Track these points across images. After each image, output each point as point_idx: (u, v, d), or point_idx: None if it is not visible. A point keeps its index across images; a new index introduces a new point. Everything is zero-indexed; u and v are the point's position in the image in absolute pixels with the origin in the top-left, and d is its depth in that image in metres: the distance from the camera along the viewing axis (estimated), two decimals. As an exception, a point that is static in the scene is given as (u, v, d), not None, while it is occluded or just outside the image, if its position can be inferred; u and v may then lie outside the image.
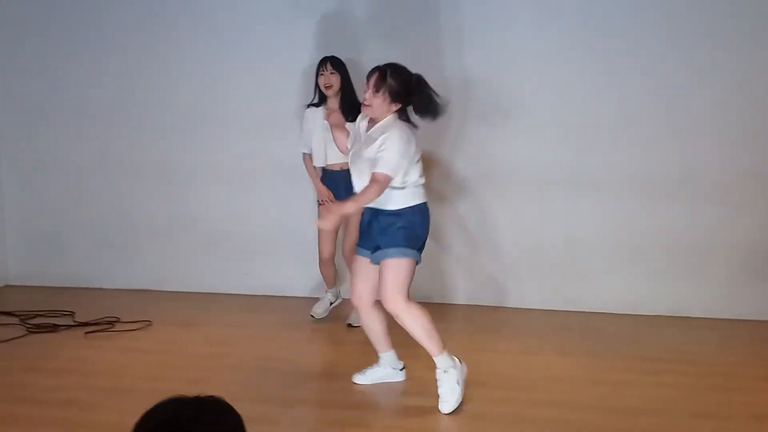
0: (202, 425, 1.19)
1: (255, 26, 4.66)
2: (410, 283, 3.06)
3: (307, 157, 4.23)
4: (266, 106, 4.70)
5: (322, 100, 4.12)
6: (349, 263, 3.96)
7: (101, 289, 4.95)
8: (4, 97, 4.98)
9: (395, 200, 3.06)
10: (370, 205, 3.06)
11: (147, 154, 4.90)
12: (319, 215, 3.16)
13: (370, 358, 3.40)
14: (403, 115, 3.08)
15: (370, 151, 3.02)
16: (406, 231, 3.04)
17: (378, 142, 3.00)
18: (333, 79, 4.02)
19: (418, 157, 3.09)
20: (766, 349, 3.88)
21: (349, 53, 4.31)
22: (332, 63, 4.05)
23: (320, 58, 4.12)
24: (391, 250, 3.02)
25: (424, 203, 3.14)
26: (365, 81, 3.07)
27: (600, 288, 4.48)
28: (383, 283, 3.03)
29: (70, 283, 4.98)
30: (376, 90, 3.01)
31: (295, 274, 4.77)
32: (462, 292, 4.65)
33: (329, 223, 3.02)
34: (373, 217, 3.12)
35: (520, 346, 3.89)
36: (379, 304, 3.15)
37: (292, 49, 4.62)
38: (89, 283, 4.98)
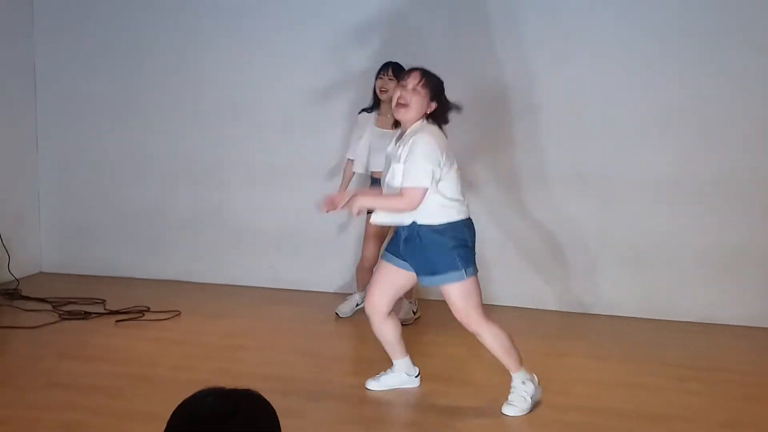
0: (240, 419, 1.20)
1: (288, 23, 4.69)
2: (480, 298, 2.95)
3: (348, 163, 4.19)
4: (295, 104, 4.73)
5: (376, 104, 4.07)
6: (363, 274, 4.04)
7: (132, 278, 5.02)
8: (44, 93, 5.07)
9: (435, 214, 2.86)
10: (410, 218, 2.88)
11: (178, 149, 4.96)
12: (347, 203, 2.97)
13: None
14: (432, 119, 2.94)
15: (398, 167, 2.85)
16: (460, 250, 2.87)
17: (405, 150, 2.84)
18: (390, 85, 3.88)
19: (455, 167, 2.92)
20: (800, 360, 3.80)
21: (396, 57, 4.18)
22: (393, 69, 3.95)
23: (382, 63, 4.04)
24: (454, 275, 2.86)
25: (469, 219, 2.96)
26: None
27: (631, 292, 4.42)
28: (456, 309, 2.92)
29: (101, 272, 5.06)
30: (419, 84, 2.86)
31: (321, 270, 4.79)
32: (487, 292, 4.61)
33: (354, 208, 2.90)
34: (411, 232, 2.91)
35: (549, 348, 3.86)
36: (392, 313, 3.10)
37: (324, 48, 4.64)
38: (120, 272, 5.06)
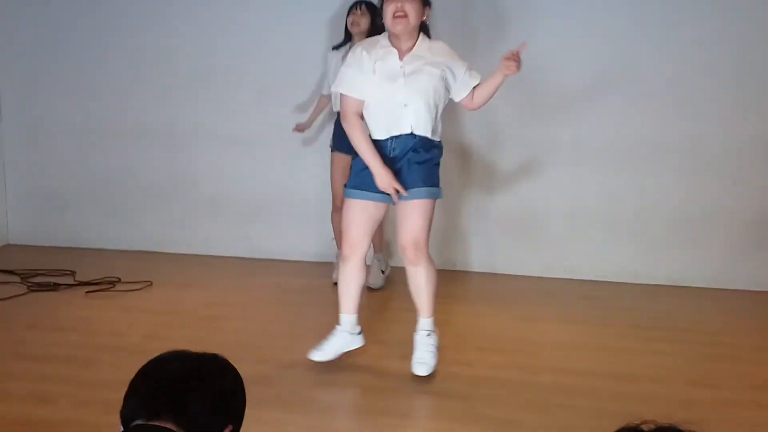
0: (206, 381, 1.19)
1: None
2: None
3: (322, 98, 4.26)
4: (270, 70, 4.64)
5: (347, 40, 4.08)
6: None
7: (102, 249, 4.95)
8: (4, 55, 4.92)
9: (437, 130, 2.96)
10: (419, 132, 2.88)
11: (150, 115, 4.86)
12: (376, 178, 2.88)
13: (372, 323, 3.41)
14: (423, 29, 2.96)
15: (460, 75, 2.93)
16: (437, 170, 2.95)
17: (446, 56, 2.94)
18: (363, 20, 3.96)
19: None
20: (764, 320, 3.89)
21: None
22: (366, 4, 3.99)
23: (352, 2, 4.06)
24: (433, 190, 2.90)
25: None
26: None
27: (600, 257, 4.47)
28: (416, 227, 2.85)
29: (71, 244, 4.98)
30: None
31: (297, 239, 4.77)
32: (461, 258, 4.65)
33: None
34: (407, 144, 2.88)
35: (520, 312, 3.90)
36: (364, 261, 3.01)
37: (299, 13, 4.55)
38: (90, 243, 4.98)
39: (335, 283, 3.94)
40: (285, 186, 4.76)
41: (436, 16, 3.12)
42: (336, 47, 4.14)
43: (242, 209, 4.83)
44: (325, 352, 3.06)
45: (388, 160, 2.91)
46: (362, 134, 2.92)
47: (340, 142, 3.81)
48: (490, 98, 2.99)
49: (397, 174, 2.90)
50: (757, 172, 4.25)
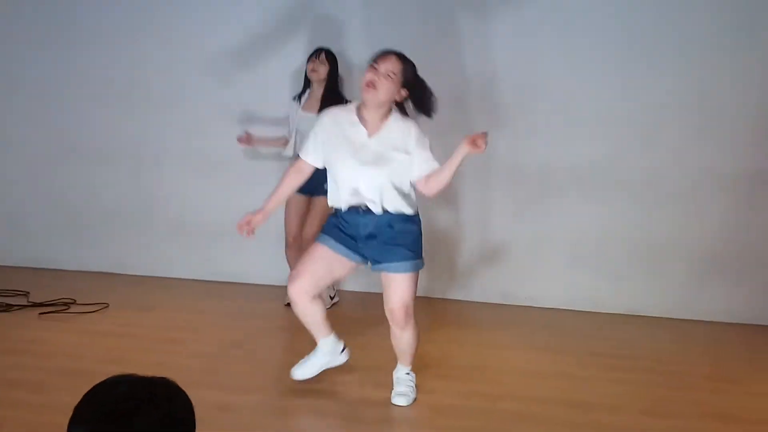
0: (153, 408, 1.16)
1: (227, 15, 4.60)
2: None
3: (282, 137, 4.22)
4: (238, 95, 4.64)
5: (306, 86, 4.14)
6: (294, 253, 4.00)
7: (58, 270, 4.84)
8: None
9: (412, 203, 2.94)
10: (380, 207, 2.86)
11: (110, 136, 4.80)
12: None
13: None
14: (402, 108, 2.89)
15: (417, 157, 2.82)
16: (419, 241, 2.94)
17: (412, 138, 2.82)
18: (321, 68, 4.04)
19: None
20: (718, 350, 3.98)
21: (341, 48, 4.33)
22: (326, 54, 4.07)
23: (313, 49, 4.13)
24: (416, 263, 2.91)
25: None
26: (371, 63, 2.81)
27: (561, 285, 4.53)
28: (401, 297, 2.90)
29: (25, 263, 4.86)
30: (392, 70, 2.78)
31: (258, 262, 4.73)
32: (423, 285, 4.65)
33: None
34: (382, 222, 2.87)
35: (481, 340, 3.92)
36: (318, 294, 2.99)
37: (265, 39, 4.57)
38: (45, 264, 4.87)
39: (287, 304, 3.97)
40: (248, 209, 4.70)
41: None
42: (296, 97, 4.18)
43: (205, 232, 4.77)
44: (307, 369, 3.09)
45: (362, 237, 2.90)
46: (284, 183, 3.05)
47: None
48: (445, 184, 2.85)
49: (378, 248, 2.89)
50: (715, 204, 4.37)
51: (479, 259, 4.61)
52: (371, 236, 2.89)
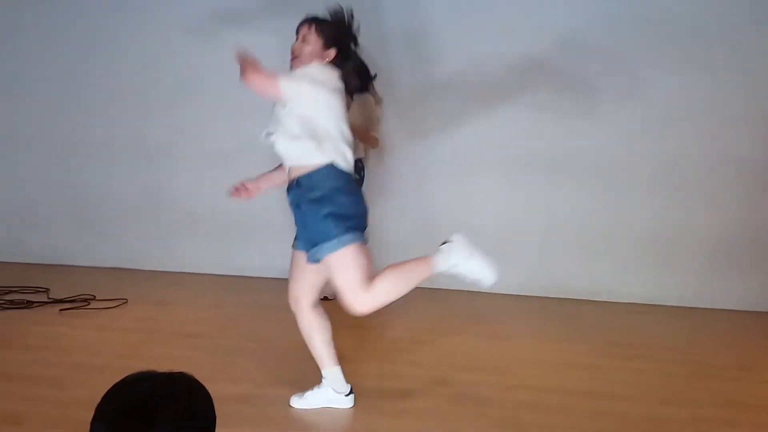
0: (175, 402, 1.18)
1: (238, 5, 4.61)
2: (368, 268, 2.55)
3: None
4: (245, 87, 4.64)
5: None
6: None
7: (77, 266, 4.89)
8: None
9: (307, 156, 2.53)
10: (293, 173, 2.57)
11: (127, 132, 4.84)
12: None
13: (347, 341, 3.40)
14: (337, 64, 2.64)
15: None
16: (333, 217, 2.53)
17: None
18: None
19: (339, 110, 2.57)
20: (736, 338, 3.95)
21: None
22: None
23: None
24: (327, 245, 2.53)
25: (345, 173, 2.57)
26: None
27: (576, 275, 4.52)
28: (336, 287, 2.57)
29: (45, 260, 4.92)
30: (309, 33, 2.64)
31: (274, 255, 4.74)
32: (441, 277, 4.65)
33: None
34: (297, 198, 2.63)
35: (496, 330, 3.92)
36: (320, 307, 2.84)
37: (273, 33, 4.57)
38: (64, 260, 4.93)
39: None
40: (263, 203, 4.74)
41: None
42: None
43: (220, 226, 4.81)
44: (306, 401, 2.89)
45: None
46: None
47: None
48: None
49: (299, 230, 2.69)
50: (730, 192, 4.33)
51: (493, 250, 4.59)
52: (296, 216, 2.65)
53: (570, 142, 4.43)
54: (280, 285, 4.59)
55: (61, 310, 4.00)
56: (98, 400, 1.27)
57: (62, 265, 4.89)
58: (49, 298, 4.18)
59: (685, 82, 4.29)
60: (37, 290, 4.28)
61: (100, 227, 4.93)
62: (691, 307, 4.39)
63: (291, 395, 2.99)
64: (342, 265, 2.55)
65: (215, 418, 1.26)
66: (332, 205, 2.55)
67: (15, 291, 4.25)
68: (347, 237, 2.54)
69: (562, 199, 4.48)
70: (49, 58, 4.82)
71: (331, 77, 2.64)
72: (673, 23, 4.26)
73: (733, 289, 4.38)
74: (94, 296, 4.17)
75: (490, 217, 4.57)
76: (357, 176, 3.24)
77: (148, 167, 4.85)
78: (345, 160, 2.60)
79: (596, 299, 4.47)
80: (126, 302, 4.14)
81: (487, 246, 4.56)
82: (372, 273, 2.58)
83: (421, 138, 4.52)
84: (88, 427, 1.25)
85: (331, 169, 2.57)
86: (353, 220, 2.58)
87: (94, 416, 1.19)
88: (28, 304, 4.05)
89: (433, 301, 4.41)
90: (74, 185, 4.93)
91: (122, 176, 4.88)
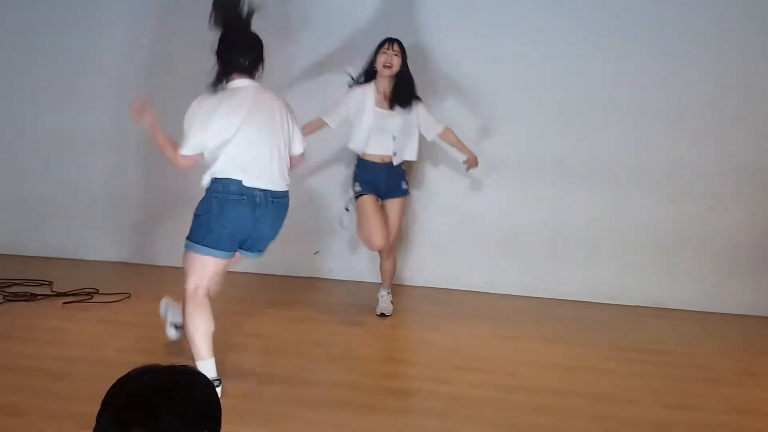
0: (178, 396, 1.18)
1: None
2: (205, 280, 2.94)
3: (318, 121, 3.87)
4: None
5: (370, 79, 3.87)
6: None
7: (80, 260, 4.89)
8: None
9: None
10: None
11: (133, 126, 4.82)
12: None
13: (347, 341, 3.39)
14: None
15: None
16: (196, 219, 2.94)
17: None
18: (395, 60, 3.81)
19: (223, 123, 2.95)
20: (742, 343, 3.93)
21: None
22: (398, 44, 3.85)
23: (384, 38, 3.87)
24: (186, 243, 2.96)
25: (224, 184, 2.95)
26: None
27: (581, 278, 4.50)
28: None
29: (48, 254, 4.92)
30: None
31: (276, 253, 4.72)
32: (445, 276, 4.65)
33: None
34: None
35: (499, 331, 3.90)
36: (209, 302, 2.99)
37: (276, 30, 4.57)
38: (68, 254, 4.93)
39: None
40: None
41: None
42: (357, 83, 3.92)
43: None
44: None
45: None
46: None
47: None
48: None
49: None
50: (739, 196, 4.31)
51: (499, 251, 4.58)
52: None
53: (577, 144, 4.41)
54: (283, 282, 4.61)
55: (64, 303, 4.00)
56: (100, 393, 1.26)
57: (66, 259, 4.89)
58: (52, 291, 4.17)
59: (694, 86, 4.27)
60: (40, 283, 4.28)
61: (106, 222, 4.93)
62: (698, 311, 4.36)
63: (295, 391, 2.98)
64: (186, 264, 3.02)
65: (221, 409, 1.26)
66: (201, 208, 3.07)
67: (18, 284, 4.25)
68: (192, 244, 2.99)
69: (569, 201, 4.46)
70: (55, 51, 4.82)
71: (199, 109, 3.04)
72: (687, 21, 4.23)
73: (741, 294, 4.35)
74: (98, 290, 4.17)
75: (496, 218, 4.55)
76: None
77: (150, 162, 4.84)
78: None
79: (601, 302, 4.44)
80: (129, 296, 4.14)
81: (493, 246, 4.59)
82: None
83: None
84: (89, 420, 1.25)
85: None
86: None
87: (100, 410, 1.19)
88: (32, 297, 4.05)
89: (435, 301, 4.39)
90: (78, 180, 4.93)
91: (125, 171, 4.87)
